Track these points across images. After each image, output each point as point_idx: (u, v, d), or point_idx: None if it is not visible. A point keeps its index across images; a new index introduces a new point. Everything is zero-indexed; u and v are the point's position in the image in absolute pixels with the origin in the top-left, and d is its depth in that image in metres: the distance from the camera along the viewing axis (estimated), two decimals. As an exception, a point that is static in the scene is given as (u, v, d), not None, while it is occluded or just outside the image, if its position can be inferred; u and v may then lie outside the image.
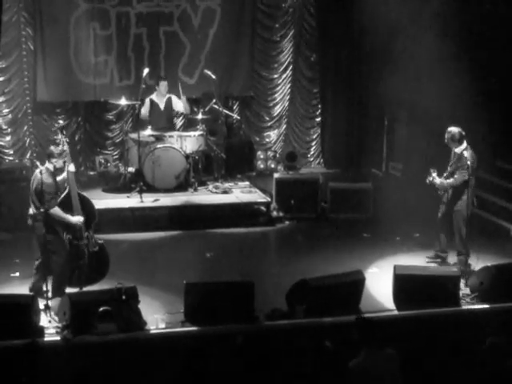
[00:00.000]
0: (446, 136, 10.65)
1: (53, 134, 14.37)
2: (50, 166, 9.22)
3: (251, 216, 13.09)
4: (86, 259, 9.46)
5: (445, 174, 10.68)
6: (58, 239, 9.22)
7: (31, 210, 9.27)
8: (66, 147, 9.42)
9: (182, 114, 14.69)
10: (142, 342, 8.58)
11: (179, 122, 15.37)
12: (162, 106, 13.92)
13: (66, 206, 9.27)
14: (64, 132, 9.53)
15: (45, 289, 9.10)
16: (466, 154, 10.47)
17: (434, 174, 10.60)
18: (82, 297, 8.88)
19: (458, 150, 10.60)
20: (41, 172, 9.12)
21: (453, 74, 12.74)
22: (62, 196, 9.30)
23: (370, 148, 16.08)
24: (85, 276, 9.44)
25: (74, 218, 9.27)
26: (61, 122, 9.94)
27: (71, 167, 9.41)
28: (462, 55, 13.17)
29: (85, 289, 9.34)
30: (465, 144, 10.59)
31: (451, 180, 10.59)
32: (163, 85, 13.89)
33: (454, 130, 10.61)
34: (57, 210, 9.10)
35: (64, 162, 9.30)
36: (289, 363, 7.81)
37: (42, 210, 9.08)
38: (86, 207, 9.52)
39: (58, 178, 9.37)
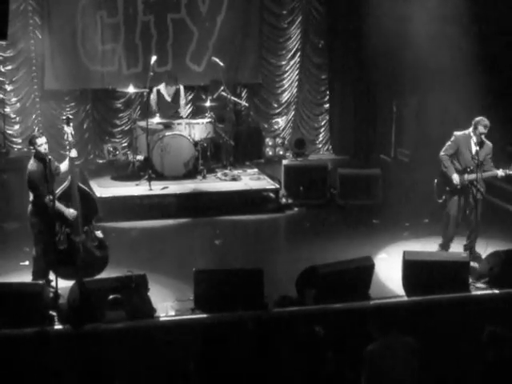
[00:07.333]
0: (485, 129, 10.07)
1: (61, 122, 14.35)
2: (40, 148, 9.11)
3: (260, 203, 13.09)
4: (81, 254, 9.37)
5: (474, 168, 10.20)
6: (46, 230, 9.16)
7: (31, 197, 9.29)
8: (70, 138, 9.35)
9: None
10: (152, 330, 8.60)
11: (187, 110, 15.26)
12: (169, 98, 13.86)
13: (65, 197, 9.23)
14: (70, 124, 9.47)
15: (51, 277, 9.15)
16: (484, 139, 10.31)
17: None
18: (92, 284, 8.85)
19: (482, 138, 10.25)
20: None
21: (464, 61, 12.69)
22: (64, 187, 9.25)
23: (378, 134, 16.06)
24: (82, 270, 9.30)
25: (66, 210, 9.18)
26: (67, 114, 9.85)
27: (73, 152, 9.32)
28: (475, 41, 13.09)
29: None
30: None
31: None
32: (172, 89, 13.81)
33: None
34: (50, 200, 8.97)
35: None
36: (297, 350, 7.81)
37: (35, 198, 9.14)
38: (87, 202, 9.45)
39: (62, 166, 9.35)
